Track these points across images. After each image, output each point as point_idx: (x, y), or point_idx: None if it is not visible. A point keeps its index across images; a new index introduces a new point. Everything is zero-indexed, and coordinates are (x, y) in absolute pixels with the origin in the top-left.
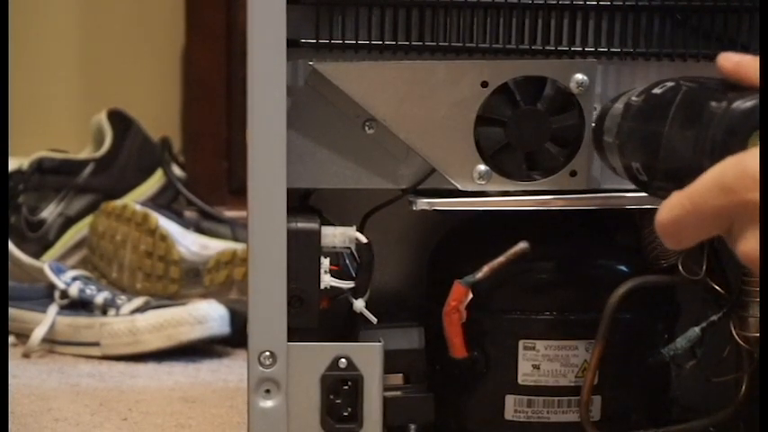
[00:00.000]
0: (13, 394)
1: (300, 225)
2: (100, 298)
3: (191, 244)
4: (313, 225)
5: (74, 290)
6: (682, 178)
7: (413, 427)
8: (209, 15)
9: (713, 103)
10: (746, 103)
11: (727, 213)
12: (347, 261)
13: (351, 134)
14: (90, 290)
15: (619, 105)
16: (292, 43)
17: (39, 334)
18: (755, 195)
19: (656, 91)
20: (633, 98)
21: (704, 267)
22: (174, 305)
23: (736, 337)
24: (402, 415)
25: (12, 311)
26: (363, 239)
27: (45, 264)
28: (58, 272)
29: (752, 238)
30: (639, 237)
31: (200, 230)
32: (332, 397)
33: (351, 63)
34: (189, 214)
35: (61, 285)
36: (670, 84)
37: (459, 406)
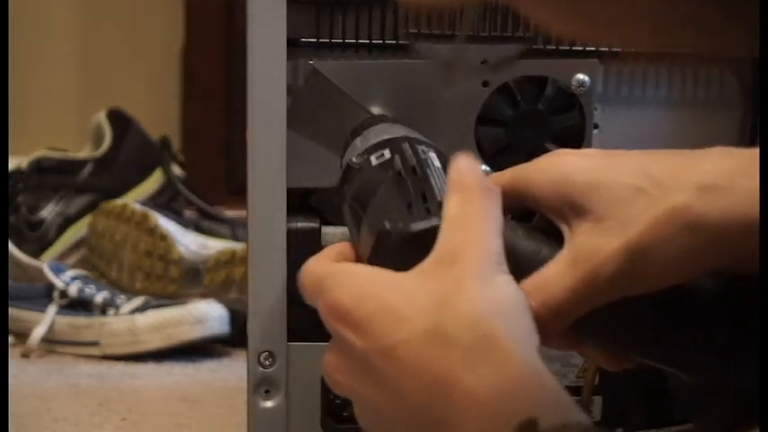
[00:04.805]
0: (12, 394)
1: (300, 225)
2: (99, 297)
3: (190, 243)
4: (313, 225)
5: (73, 289)
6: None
7: None
8: (208, 15)
9: (388, 224)
10: (419, 226)
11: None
12: None
13: None
14: (89, 289)
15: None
16: (292, 43)
17: (38, 334)
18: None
19: (374, 161)
20: (354, 159)
21: None
22: (173, 305)
23: None
24: None
25: (11, 311)
26: None
27: (44, 263)
28: (58, 271)
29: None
30: None
31: (199, 230)
32: (332, 397)
33: (351, 63)
34: (188, 214)
35: (60, 285)
36: (387, 155)
37: None
